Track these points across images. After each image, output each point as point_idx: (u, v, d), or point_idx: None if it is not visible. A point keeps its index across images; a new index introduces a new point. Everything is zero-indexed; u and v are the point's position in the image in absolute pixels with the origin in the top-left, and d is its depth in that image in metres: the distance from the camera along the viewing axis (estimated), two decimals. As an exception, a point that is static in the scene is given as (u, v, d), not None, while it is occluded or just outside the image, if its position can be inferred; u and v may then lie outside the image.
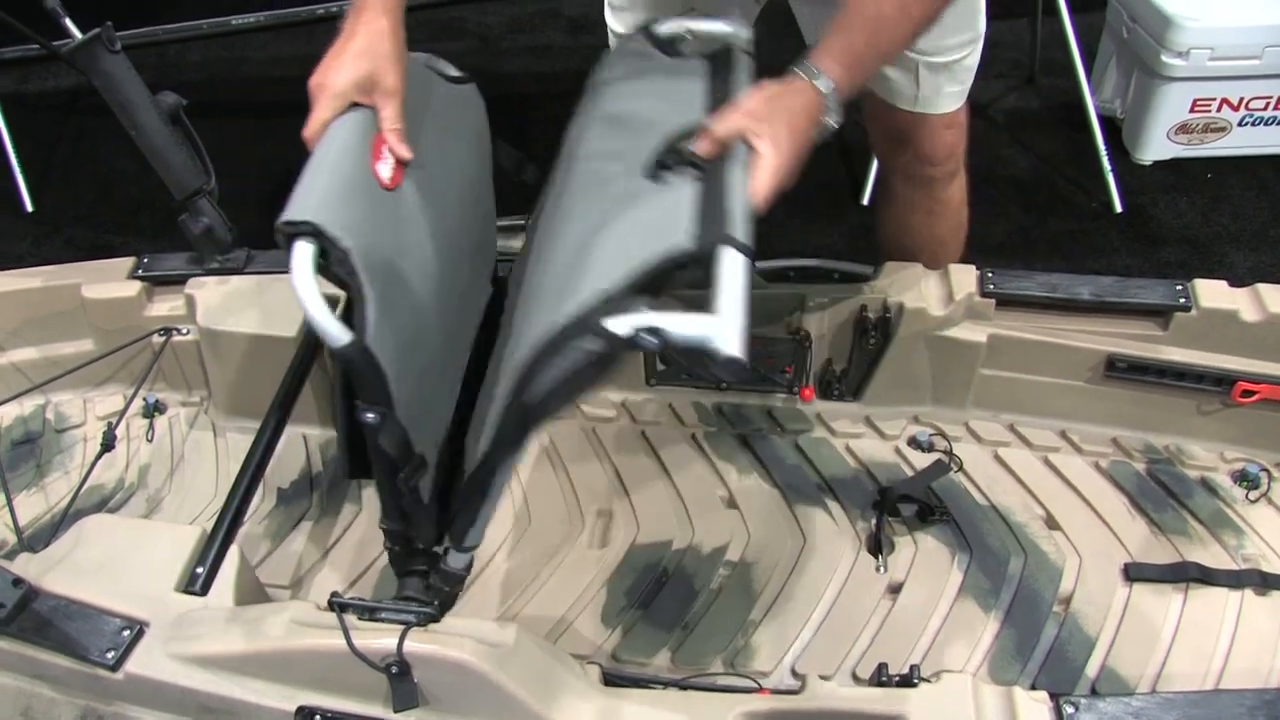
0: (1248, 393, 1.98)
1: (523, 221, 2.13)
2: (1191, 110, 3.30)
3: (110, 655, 1.54)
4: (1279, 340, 1.95)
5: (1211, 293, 1.97)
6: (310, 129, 1.41)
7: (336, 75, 1.43)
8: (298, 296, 1.31)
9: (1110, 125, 3.45)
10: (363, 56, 1.43)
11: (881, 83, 2.04)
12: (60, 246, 3.38)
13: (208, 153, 2.10)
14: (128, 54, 1.97)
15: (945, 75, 2.01)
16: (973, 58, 2.02)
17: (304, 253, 1.32)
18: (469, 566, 1.58)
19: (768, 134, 1.38)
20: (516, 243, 2.11)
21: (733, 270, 1.28)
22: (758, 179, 1.36)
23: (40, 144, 3.75)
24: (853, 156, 2.57)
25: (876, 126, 2.18)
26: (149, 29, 4.24)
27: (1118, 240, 3.17)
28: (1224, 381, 1.99)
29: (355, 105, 1.48)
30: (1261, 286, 1.96)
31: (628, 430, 2.18)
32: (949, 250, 2.26)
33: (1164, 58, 3.18)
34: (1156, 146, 3.39)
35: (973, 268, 2.06)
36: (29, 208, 3.53)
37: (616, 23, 2.12)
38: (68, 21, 2.49)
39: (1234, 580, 1.83)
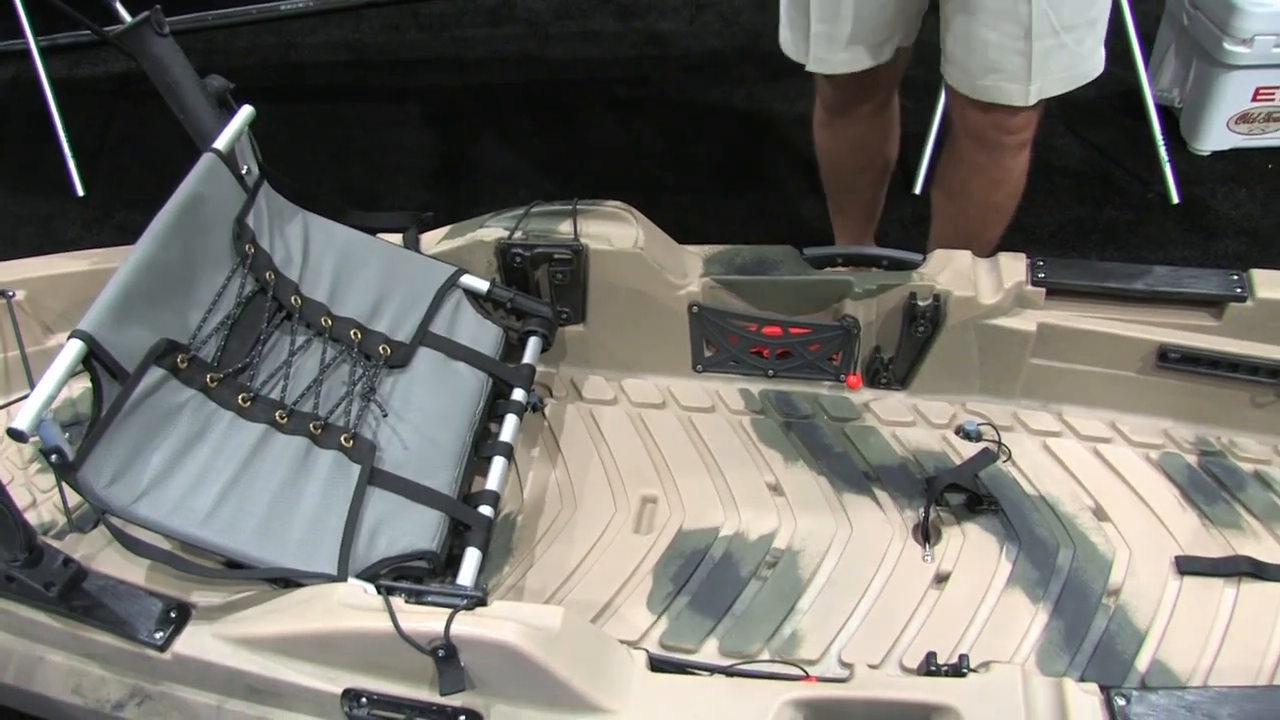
0: (1304, 385, 1.95)
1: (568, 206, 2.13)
2: (1254, 99, 3.24)
3: (159, 635, 1.56)
4: (1338, 332, 1.91)
5: (1269, 283, 1.94)
6: None
7: None
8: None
9: (1168, 115, 3.40)
10: None
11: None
12: (110, 231, 3.40)
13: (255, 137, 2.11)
14: (176, 39, 1.97)
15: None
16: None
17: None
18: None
19: None
20: (563, 225, 2.11)
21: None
22: None
23: (91, 128, 3.78)
24: (905, 145, 2.55)
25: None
26: (198, 14, 4.27)
27: (1174, 232, 3.12)
28: (1279, 374, 1.96)
29: None
30: (1321, 277, 1.93)
31: (673, 416, 2.18)
32: (1001, 216, 2.27)
33: (1226, 45, 3.12)
34: (1216, 136, 3.34)
35: (1023, 256, 2.04)
36: (80, 192, 3.55)
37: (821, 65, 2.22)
38: (118, 5, 2.50)
39: (1288, 574, 1.80)
